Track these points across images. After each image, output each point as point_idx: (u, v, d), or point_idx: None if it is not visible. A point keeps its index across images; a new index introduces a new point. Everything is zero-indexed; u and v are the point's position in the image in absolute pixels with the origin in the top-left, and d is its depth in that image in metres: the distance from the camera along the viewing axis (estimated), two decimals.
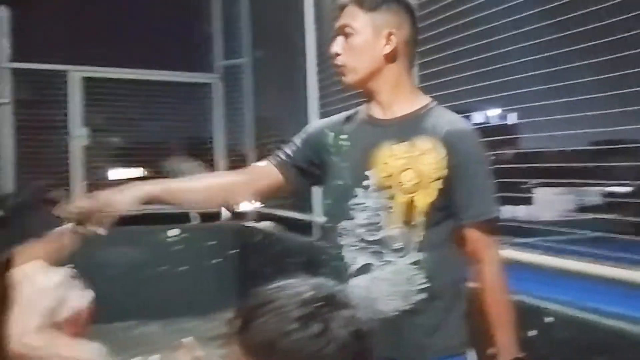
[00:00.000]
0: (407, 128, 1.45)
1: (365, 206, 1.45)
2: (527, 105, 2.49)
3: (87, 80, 5.24)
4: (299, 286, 0.89)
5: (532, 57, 2.37)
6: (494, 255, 1.45)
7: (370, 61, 1.45)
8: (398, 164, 1.43)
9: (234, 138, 5.64)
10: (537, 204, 3.25)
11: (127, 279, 4.83)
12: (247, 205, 5.45)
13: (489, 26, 2.59)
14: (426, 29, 3.02)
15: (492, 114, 2.97)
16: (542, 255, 2.31)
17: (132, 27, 5.30)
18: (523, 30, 2.39)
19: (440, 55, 2.97)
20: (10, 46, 5.01)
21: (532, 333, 2.03)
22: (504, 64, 2.57)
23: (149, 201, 1.59)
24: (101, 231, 1.48)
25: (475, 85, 2.73)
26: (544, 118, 2.39)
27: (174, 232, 5.15)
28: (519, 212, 3.05)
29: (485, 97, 2.76)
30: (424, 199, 1.42)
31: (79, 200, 1.50)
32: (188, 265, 5.07)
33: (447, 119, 1.46)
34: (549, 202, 3.33)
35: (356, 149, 1.49)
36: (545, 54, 2.30)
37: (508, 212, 2.60)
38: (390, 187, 1.43)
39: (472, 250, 1.44)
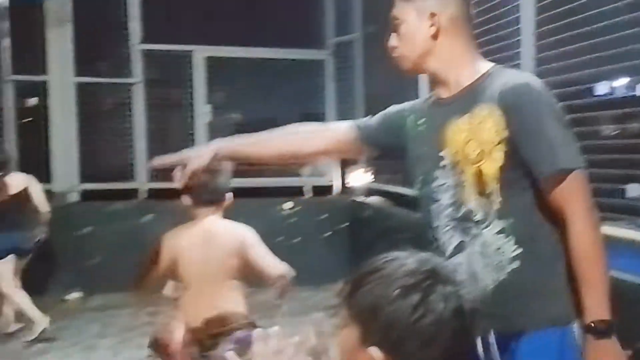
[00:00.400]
0: (467, 100, 1.44)
1: (447, 186, 1.46)
2: None
3: (210, 60, 5.57)
4: (405, 258, 0.93)
5: None
6: (582, 207, 1.32)
7: (419, 45, 1.48)
8: (461, 137, 1.42)
9: (345, 114, 5.76)
10: None
11: None
12: (358, 181, 5.59)
13: None
14: None
15: (619, 85, 2.78)
16: None
17: (249, 7, 5.52)
18: None
19: (559, 23, 2.87)
20: (141, 29, 5.42)
21: None
22: (632, 30, 2.42)
23: (228, 157, 1.72)
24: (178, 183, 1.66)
25: (599, 54, 2.60)
26: None
27: (288, 204, 5.39)
28: None
29: (610, 67, 2.62)
30: (491, 165, 1.39)
31: (166, 158, 1.70)
32: (301, 237, 5.29)
33: (502, 80, 1.42)
34: None
35: (430, 132, 1.51)
36: None
37: (635, 190, 2.48)
38: (459, 161, 1.43)
39: (558, 207, 1.34)
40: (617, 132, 2.86)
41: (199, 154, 1.67)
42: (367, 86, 5.47)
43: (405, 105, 1.64)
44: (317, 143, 1.70)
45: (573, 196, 1.33)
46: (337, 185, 5.74)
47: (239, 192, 6.29)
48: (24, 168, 4.58)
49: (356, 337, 0.92)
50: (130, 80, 5.42)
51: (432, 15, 1.45)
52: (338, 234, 5.30)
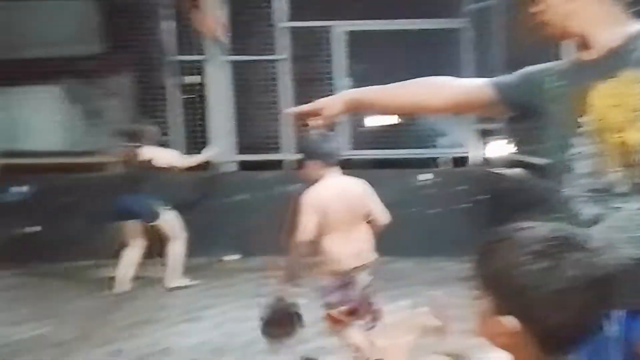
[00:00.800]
0: (612, 63, 1.35)
1: (583, 154, 1.39)
2: None
3: (350, 34, 5.74)
4: (537, 227, 0.92)
5: None
6: None
7: (564, 7, 1.41)
8: (606, 103, 1.34)
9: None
10: None
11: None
12: (497, 152, 5.51)
13: None
14: None
15: None
16: None
17: None
18: None
19: None
20: (287, 7, 5.71)
21: None
22: None
23: (356, 105, 1.73)
24: (320, 127, 1.75)
25: None
26: None
27: (426, 175, 5.48)
28: None
29: None
30: (637, 135, 1.29)
31: (301, 107, 1.75)
32: (439, 209, 5.35)
33: None
34: None
35: (570, 95, 1.43)
36: None
37: None
38: (602, 129, 1.34)
39: None
40: None
41: (331, 103, 1.69)
42: (504, 54, 5.35)
43: (547, 65, 1.56)
44: (447, 96, 1.65)
45: None
46: (475, 156, 5.72)
47: (377, 163, 6.49)
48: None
49: (491, 307, 0.92)
50: (276, 57, 5.76)
51: None
52: (477, 206, 5.30)
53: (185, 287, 4.74)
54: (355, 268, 2.81)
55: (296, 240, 2.73)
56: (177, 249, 4.74)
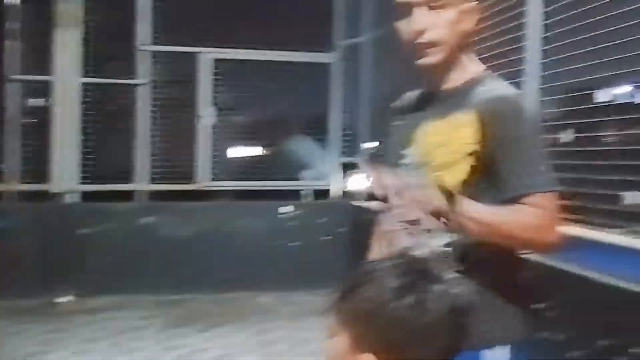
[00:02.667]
0: (450, 102, 1.38)
1: None
2: None
3: (217, 62, 5.57)
4: (396, 260, 0.93)
5: None
6: (543, 215, 1.27)
7: (459, 34, 1.38)
8: (433, 140, 1.37)
9: (350, 116, 5.74)
10: None
11: (244, 250, 5.12)
12: (358, 184, 5.54)
13: None
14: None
15: (621, 92, 2.72)
16: None
17: (256, 10, 5.53)
18: None
19: (565, 28, 2.85)
20: (151, 30, 5.44)
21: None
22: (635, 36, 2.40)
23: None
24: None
25: (601, 60, 2.59)
26: None
27: (287, 208, 5.39)
28: None
29: (613, 73, 2.59)
30: (454, 177, 1.32)
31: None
32: (300, 241, 5.26)
33: (487, 89, 1.36)
34: None
35: (403, 126, 1.47)
36: None
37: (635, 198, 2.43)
38: (423, 164, 1.37)
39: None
40: (619, 138, 2.84)
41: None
42: (373, 89, 5.45)
43: (403, 97, 1.59)
44: None
45: (536, 216, 1.27)
46: (337, 189, 5.72)
47: (241, 194, 6.33)
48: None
49: (348, 345, 0.90)
50: (136, 81, 5.44)
51: (473, 10, 1.40)
52: (337, 238, 5.29)
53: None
54: None
55: None
56: None
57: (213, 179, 5.52)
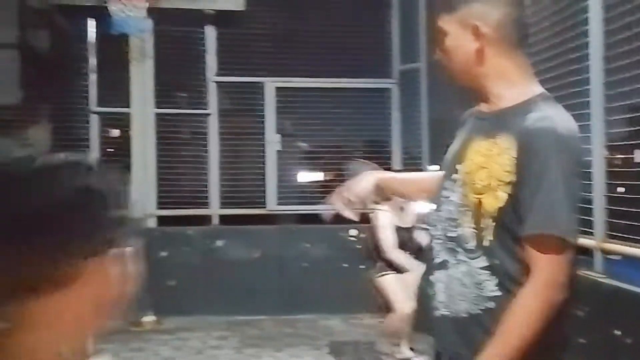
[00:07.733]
0: (497, 123, 1.37)
1: (449, 200, 1.41)
2: None
3: (279, 90, 5.79)
4: None
5: None
6: (540, 273, 1.28)
7: (463, 59, 1.40)
8: (477, 161, 1.36)
9: (410, 142, 5.81)
10: None
11: (311, 273, 5.25)
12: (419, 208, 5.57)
13: None
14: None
15: None
16: None
17: (316, 40, 5.73)
18: None
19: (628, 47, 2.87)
20: (216, 62, 5.71)
21: None
22: None
23: (381, 186, 1.71)
24: (352, 216, 1.70)
25: None
26: None
27: (353, 232, 5.46)
28: None
29: None
30: (492, 202, 1.32)
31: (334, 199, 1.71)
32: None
33: (535, 116, 1.32)
34: None
35: (457, 142, 1.49)
36: None
37: None
38: (467, 184, 1.37)
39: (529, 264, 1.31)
40: None
41: (361, 183, 1.68)
42: (431, 113, 5.52)
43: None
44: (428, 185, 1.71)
45: (534, 262, 1.29)
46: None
47: (302, 219, 6.42)
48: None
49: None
50: (205, 111, 5.70)
51: (475, 28, 1.37)
52: None
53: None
54: None
55: None
56: None
57: (279, 204, 5.69)
